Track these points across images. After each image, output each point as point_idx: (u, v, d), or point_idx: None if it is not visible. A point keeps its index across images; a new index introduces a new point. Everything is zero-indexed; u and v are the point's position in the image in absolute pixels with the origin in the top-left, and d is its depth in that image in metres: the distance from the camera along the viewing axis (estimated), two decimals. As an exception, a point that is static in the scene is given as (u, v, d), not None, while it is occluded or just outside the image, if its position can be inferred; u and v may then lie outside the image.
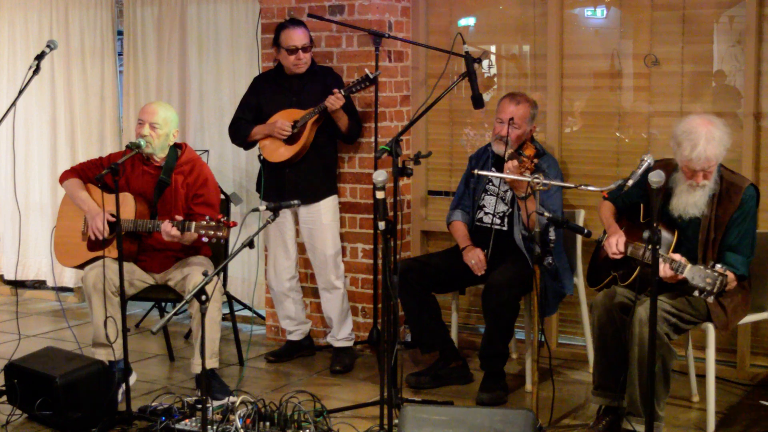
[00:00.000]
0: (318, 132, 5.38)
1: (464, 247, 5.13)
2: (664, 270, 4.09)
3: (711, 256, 4.29)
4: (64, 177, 5.20)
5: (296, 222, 5.63)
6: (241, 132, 5.53)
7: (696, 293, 3.99)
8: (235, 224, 4.58)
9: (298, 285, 5.75)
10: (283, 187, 5.43)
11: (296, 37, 5.36)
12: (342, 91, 5.24)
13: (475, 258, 5.05)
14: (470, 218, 5.24)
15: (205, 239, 4.61)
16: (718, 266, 3.94)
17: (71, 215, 5.17)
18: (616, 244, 4.43)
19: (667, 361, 4.22)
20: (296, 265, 5.72)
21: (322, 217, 5.50)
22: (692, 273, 3.98)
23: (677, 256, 4.13)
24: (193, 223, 4.68)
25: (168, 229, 4.75)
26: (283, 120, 5.35)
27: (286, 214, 5.55)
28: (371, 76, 5.24)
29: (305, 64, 5.42)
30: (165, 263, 5.11)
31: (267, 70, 5.76)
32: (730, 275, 4.03)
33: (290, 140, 5.37)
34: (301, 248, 5.73)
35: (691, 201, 4.31)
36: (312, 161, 5.43)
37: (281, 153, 5.41)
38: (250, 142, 5.54)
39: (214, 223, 4.58)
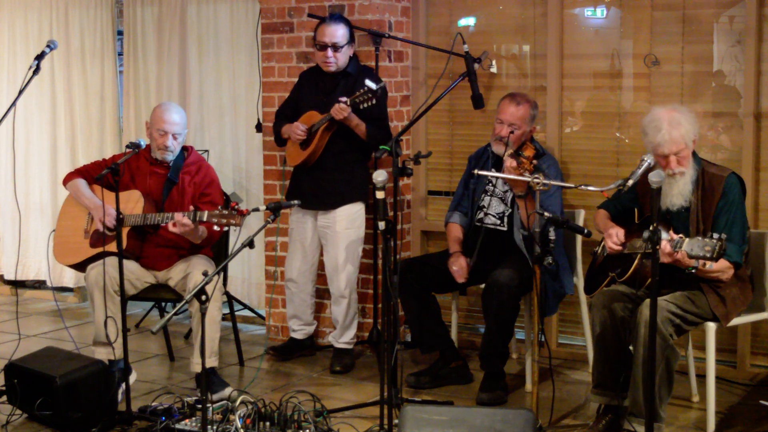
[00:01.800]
0: (336, 138, 5.31)
1: (452, 253, 5.14)
2: (663, 247, 4.01)
3: None
4: (68, 178, 5.20)
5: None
6: (275, 126, 5.57)
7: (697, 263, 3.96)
8: (248, 212, 4.52)
9: (311, 288, 5.67)
10: (301, 190, 5.42)
11: (327, 32, 5.27)
12: (347, 101, 5.14)
13: (458, 266, 5.05)
14: (469, 220, 5.24)
15: (216, 228, 4.56)
16: (715, 234, 3.89)
17: (73, 215, 5.17)
18: (615, 234, 4.41)
19: (672, 362, 4.21)
20: (312, 269, 5.64)
21: (337, 224, 5.41)
22: (690, 245, 3.91)
23: (674, 235, 4.08)
24: (206, 212, 4.64)
25: (180, 218, 4.74)
26: (298, 123, 5.34)
27: (306, 217, 5.52)
28: (374, 88, 5.06)
29: (334, 63, 5.32)
30: (168, 261, 5.11)
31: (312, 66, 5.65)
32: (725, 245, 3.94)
33: (305, 144, 5.35)
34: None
35: (675, 191, 4.31)
36: (327, 167, 5.37)
37: (295, 156, 5.40)
38: (281, 139, 5.55)
39: (226, 212, 4.53)
